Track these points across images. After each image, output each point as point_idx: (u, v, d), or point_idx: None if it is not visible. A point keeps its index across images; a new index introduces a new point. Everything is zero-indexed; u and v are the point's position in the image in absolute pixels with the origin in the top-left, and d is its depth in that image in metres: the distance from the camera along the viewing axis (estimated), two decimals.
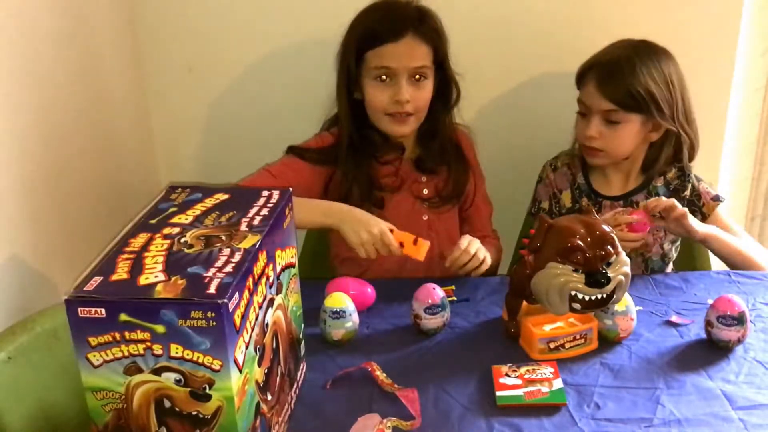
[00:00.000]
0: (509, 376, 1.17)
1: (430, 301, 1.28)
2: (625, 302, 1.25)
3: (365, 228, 1.38)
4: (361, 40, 1.51)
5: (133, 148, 1.85)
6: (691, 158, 1.62)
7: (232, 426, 0.88)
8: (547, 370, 1.17)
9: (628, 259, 1.20)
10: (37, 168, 1.40)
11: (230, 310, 0.84)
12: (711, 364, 1.21)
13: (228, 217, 1.01)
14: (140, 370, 0.86)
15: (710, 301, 1.27)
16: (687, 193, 1.62)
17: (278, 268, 1.04)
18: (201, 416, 0.88)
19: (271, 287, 1.00)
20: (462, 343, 1.29)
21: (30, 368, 1.12)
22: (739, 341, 1.24)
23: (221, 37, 1.84)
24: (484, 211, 1.71)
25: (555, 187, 1.69)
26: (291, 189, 1.12)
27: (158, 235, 0.97)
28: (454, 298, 1.39)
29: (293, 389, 1.12)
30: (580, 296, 1.16)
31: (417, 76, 1.51)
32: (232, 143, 1.95)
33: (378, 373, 1.18)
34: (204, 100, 1.91)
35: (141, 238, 0.96)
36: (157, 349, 0.85)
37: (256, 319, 0.93)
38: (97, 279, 0.87)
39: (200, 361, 0.85)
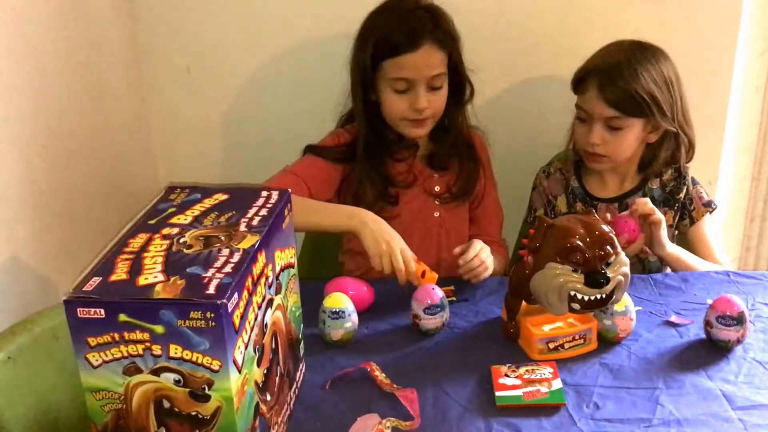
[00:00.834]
0: (508, 377, 1.17)
1: (429, 302, 1.28)
2: (625, 302, 1.25)
3: (387, 239, 1.38)
4: (377, 48, 1.49)
5: (132, 148, 1.85)
6: (689, 159, 1.61)
7: (231, 426, 0.88)
8: (546, 371, 1.17)
9: (627, 260, 1.20)
10: (37, 168, 1.40)
11: (229, 310, 0.84)
12: (710, 364, 1.21)
13: (227, 218, 1.01)
14: (139, 371, 0.86)
15: (709, 301, 1.27)
16: (682, 195, 1.61)
17: (277, 269, 1.04)
18: (200, 417, 0.88)
19: (270, 287, 1.00)
20: (461, 344, 1.29)
21: (29, 369, 1.12)
22: (739, 341, 1.24)
23: (219, 38, 1.84)
24: (494, 217, 1.70)
25: (550, 193, 1.68)
26: (290, 190, 1.12)
27: (157, 235, 0.97)
28: (454, 299, 1.39)
29: (292, 389, 1.12)
30: (579, 296, 1.16)
31: (434, 84, 1.51)
32: (230, 143, 1.95)
33: (377, 373, 1.18)
34: (202, 100, 1.91)
35: (140, 239, 0.96)
36: (157, 349, 0.85)
37: (255, 319, 0.93)
38: (96, 279, 0.87)
39: (199, 361, 0.85)
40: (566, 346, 1.23)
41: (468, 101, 1.61)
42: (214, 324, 0.83)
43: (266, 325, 0.98)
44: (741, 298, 1.25)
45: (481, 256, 1.44)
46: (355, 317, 1.28)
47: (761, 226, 2.08)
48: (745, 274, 1.49)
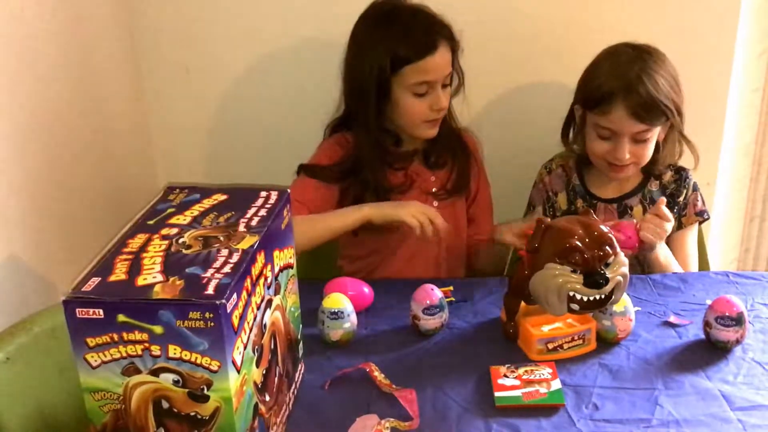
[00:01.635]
0: (507, 377, 1.17)
1: (428, 302, 1.28)
2: (624, 303, 1.25)
3: (409, 205, 1.43)
4: (397, 56, 1.48)
5: (131, 148, 1.85)
6: (696, 160, 1.59)
7: (230, 427, 0.88)
8: (545, 371, 1.17)
9: (626, 260, 1.20)
10: (36, 169, 1.40)
11: (228, 310, 0.84)
12: (709, 364, 1.21)
13: (226, 218, 1.01)
14: (138, 371, 0.86)
15: (709, 302, 1.27)
16: (682, 198, 1.61)
17: (276, 269, 1.04)
18: (199, 417, 0.88)
19: (269, 288, 1.00)
20: (460, 344, 1.29)
21: (28, 369, 1.12)
22: (738, 342, 1.24)
23: (218, 39, 1.84)
24: (489, 215, 1.72)
25: (550, 190, 1.68)
26: (289, 190, 1.12)
27: (156, 235, 0.96)
28: (453, 299, 1.39)
29: (291, 390, 1.12)
30: (578, 297, 1.16)
31: (447, 81, 1.53)
32: (229, 143, 1.95)
33: (376, 373, 1.18)
34: (201, 100, 1.91)
35: (139, 239, 0.96)
36: (155, 349, 0.85)
37: (254, 319, 0.93)
38: (95, 280, 0.87)
39: (198, 361, 0.85)
40: (565, 346, 1.23)
41: (458, 91, 1.61)
42: (213, 324, 0.83)
43: (265, 325, 0.98)
44: (740, 299, 1.26)
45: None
46: (354, 318, 1.28)
47: (760, 226, 2.08)
48: (744, 274, 1.49)
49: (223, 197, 1.08)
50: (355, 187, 1.55)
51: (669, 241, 1.60)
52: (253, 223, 1.00)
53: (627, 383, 1.17)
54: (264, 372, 0.98)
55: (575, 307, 1.17)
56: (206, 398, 0.87)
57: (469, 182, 1.66)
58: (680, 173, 1.62)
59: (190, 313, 0.82)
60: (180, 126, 1.94)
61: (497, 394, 1.13)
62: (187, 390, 0.86)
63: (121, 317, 0.84)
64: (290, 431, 1.09)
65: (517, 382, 1.15)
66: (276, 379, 1.04)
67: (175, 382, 0.86)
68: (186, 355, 0.84)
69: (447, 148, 1.63)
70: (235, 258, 0.91)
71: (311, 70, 1.80)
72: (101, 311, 0.84)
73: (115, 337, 0.84)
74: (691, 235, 1.62)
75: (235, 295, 0.85)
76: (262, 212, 1.03)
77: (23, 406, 1.10)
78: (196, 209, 1.04)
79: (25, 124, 1.36)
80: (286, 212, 1.09)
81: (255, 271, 0.93)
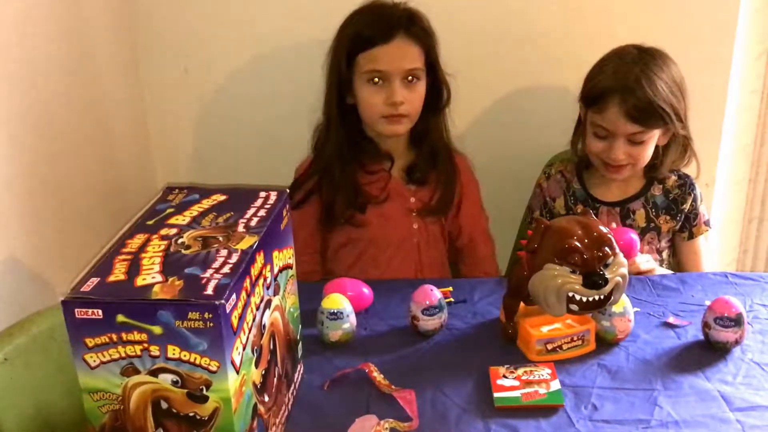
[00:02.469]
0: (506, 378, 1.16)
1: (427, 303, 1.28)
2: (623, 303, 1.25)
3: None
4: (352, 44, 1.51)
5: (131, 148, 1.85)
6: (698, 167, 1.60)
7: (229, 427, 0.87)
8: (544, 372, 1.17)
9: (625, 261, 1.20)
10: (34, 169, 1.40)
11: (227, 311, 0.84)
12: (708, 365, 1.21)
13: (225, 218, 1.01)
14: (137, 372, 0.86)
15: (708, 303, 1.27)
16: (686, 206, 1.61)
17: (275, 269, 1.04)
18: (198, 418, 0.87)
19: (268, 288, 1.00)
20: (459, 345, 1.29)
21: (27, 369, 1.12)
22: (737, 343, 1.24)
23: (217, 39, 1.84)
24: (485, 248, 1.70)
25: (548, 195, 1.67)
26: (288, 191, 1.12)
27: (155, 236, 0.96)
28: (452, 300, 1.39)
29: (290, 390, 1.12)
30: (577, 297, 1.16)
31: (410, 78, 1.51)
32: (229, 144, 1.95)
33: (375, 374, 1.17)
34: (200, 100, 1.91)
35: (138, 239, 0.96)
36: (154, 350, 0.85)
37: (254, 320, 0.93)
38: (94, 280, 0.87)
39: (197, 362, 0.84)
40: (564, 347, 1.23)
41: (446, 105, 1.60)
42: (212, 325, 0.82)
43: (264, 325, 0.98)
44: (739, 300, 1.26)
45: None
46: (353, 318, 1.28)
47: (758, 227, 2.08)
48: (743, 275, 1.49)
49: (223, 197, 1.08)
50: (328, 190, 1.55)
51: (680, 250, 1.64)
52: (253, 223, 1.00)
53: (626, 384, 1.17)
54: (263, 372, 0.98)
55: (574, 307, 1.17)
56: (205, 399, 0.86)
57: (451, 202, 1.64)
58: (684, 179, 1.62)
59: (189, 313, 0.82)
60: (179, 126, 1.94)
61: (496, 394, 1.13)
62: (186, 390, 0.86)
63: (120, 317, 0.84)
64: None
65: (516, 383, 1.15)
66: (275, 379, 1.04)
67: (174, 383, 0.86)
68: (185, 356, 0.84)
69: (432, 161, 1.61)
70: (234, 258, 0.91)
71: (310, 70, 1.79)
72: (100, 311, 0.84)
73: (114, 337, 0.84)
74: (701, 243, 1.66)
75: (234, 296, 0.85)
76: (262, 213, 1.03)
77: (22, 407, 1.10)
78: (195, 209, 1.04)
79: (23, 124, 1.36)
80: (286, 213, 1.09)
81: (254, 271, 0.93)
